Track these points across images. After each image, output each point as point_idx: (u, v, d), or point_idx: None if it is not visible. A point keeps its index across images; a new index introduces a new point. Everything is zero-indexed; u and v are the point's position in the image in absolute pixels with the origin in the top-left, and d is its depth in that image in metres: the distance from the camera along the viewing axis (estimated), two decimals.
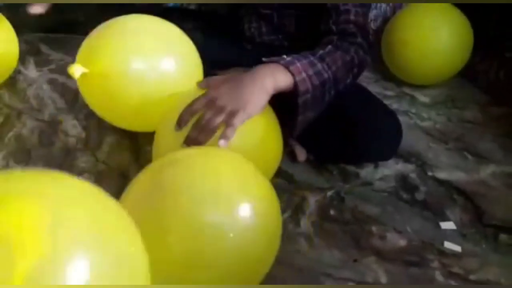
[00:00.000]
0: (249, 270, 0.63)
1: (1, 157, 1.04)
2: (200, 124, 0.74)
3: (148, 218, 0.60)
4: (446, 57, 1.24)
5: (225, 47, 1.06)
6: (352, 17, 0.89)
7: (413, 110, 1.22)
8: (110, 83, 0.87)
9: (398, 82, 1.33)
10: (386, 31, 1.34)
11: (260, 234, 0.62)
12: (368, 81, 1.31)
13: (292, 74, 0.80)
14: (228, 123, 0.73)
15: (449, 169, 1.02)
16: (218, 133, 0.74)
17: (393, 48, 1.30)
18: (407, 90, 1.31)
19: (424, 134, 1.13)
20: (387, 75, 1.35)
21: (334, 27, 0.90)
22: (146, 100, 0.87)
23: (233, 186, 0.63)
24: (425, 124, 1.17)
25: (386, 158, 0.99)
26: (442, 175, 1.00)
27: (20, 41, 1.38)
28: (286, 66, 0.80)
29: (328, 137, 0.94)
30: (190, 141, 0.74)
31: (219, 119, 0.74)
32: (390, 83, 1.33)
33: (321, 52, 0.86)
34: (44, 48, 1.51)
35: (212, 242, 0.59)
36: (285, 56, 0.83)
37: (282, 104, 0.84)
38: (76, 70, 0.85)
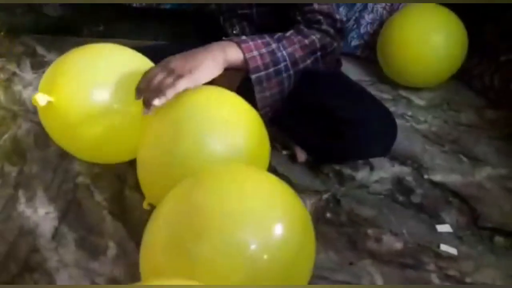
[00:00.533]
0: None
1: None
2: (152, 85, 0.78)
3: (178, 244, 0.59)
4: (441, 60, 1.25)
5: None
6: (316, 6, 0.94)
7: (409, 113, 1.22)
8: (74, 113, 0.83)
9: (394, 85, 1.33)
10: (381, 34, 1.34)
11: (294, 253, 0.61)
12: (364, 83, 1.31)
13: (243, 51, 0.85)
14: (172, 83, 0.77)
15: (445, 172, 1.02)
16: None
17: (388, 51, 1.30)
18: (403, 92, 1.31)
19: (420, 137, 1.13)
20: (383, 77, 1.35)
21: (299, 17, 0.94)
22: (110, 131, 0.85)
23: (262, 205, 0.62)
24: (421, 127, 1.17)
25: (383, 153, 0.99)
26: (438, 177, 1.00)
27: (16, 43, 1.38)
28: (239, 44, 0.86)
29: (322, 136, 0.94)
30: (146, 104, 0.77)
31: (169, 80, 0.77)
32: (386, 86, 1.33)
33: (279, 34, 0.91)
34: (40, 50, 1.50)
35: (245, 262, 0.58)
36: (243, 37, 0.88)
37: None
38: (40, 99, 0.80)
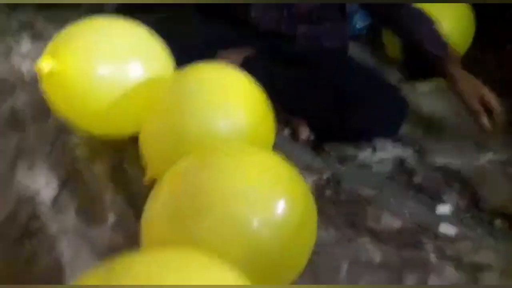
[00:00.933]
0: (285, 267, 0.63)
1: None
2: None
3: (179, 218, 0.60)
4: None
5: (226, 28, 1.05)
6: None
7: (414, 96, 1.22)
8: (76, 82, 0.82)
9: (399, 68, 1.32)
10: None
11: (295, 231, 0.61)
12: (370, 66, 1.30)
13: None
14: None
15: (447, 155, 1.01)
16: None
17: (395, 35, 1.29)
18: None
19: (423, 120, 1.13)
20: (388, 61, 1.34)
21: None
22: (112, 103, 0.84)
23: (265, 183, 0.62)
24: (425, 110, 1.17)
25: (391, 133, 0.99)
26: (440, 160, 1.00)
27: (14, 18, 1.37)
28: None
29: (331, 114, 0.94)
30: None
31: None
32: (391, 69, 1.32)
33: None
34: (38, 22, 1.49)
35: (246, 239, 0.58)
36: None
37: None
38: (44, 66, 0.80)
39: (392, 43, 1.32)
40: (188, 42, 0.99)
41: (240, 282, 0.45)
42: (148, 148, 0.81)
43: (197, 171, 0.63)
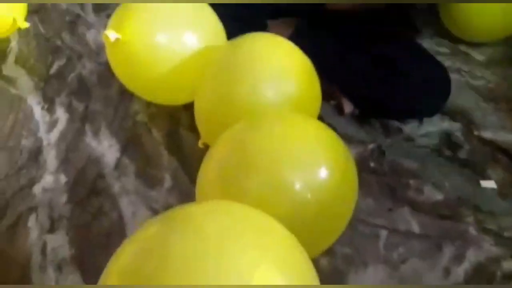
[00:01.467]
0: (324, 228, 0.68)
1: (64, 95, 1.13)
2: None
3: (230, 178, 0.65)
4: (506, 12, 1.18)
5: None
6: None
7: (466, 69, 1.19)
8: (139, 51, 0.89)
9: (453, 39, 1.28)
10: None
11: (335, 195, 0.66)
12: (423, 36, 1.27)
13: None
14: None
15: (496, 130, 1.00)
16: None
17: (449, 3, 1.25)
18: (462, 47, 1.26)
19: (474, 93, 1.10)
20: (442, 31, 1.30)
21: None
22: (171, 71, 0.89)
23: (308, 148, 0.66)
24: (477, 83, 1.14)
25: (430, 113, 0.99)
26: (487, 134, 0.98)
27: None
28: None
29: (375, 89, 0.95)
30: None
31: None
32: (443, 40, 1.29)
33: None
34: None
35: (289, 202, 0.63)
36: None
37: None
38: (111, 35, 0.87)
39: (447, 13, 1.27)
40: (239, 12, 1.02)
41: (285, 233, 0.50)
42: (202, 115, 0.87)
43: (246, 136, 0.68)
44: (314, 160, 0.66)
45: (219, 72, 0.84)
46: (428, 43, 1.25)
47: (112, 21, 0.93)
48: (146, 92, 1.00)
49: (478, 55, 1.24)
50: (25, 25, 1.27)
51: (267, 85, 0.80)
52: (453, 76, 0.99)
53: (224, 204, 0.51)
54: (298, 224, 0.62)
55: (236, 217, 0.47)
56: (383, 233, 0.81)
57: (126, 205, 0.85)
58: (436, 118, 1.02)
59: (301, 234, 0.60)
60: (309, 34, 1.02)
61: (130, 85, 1.00)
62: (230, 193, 0.64)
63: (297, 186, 0.63)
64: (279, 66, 0.82)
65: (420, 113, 1.00)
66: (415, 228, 0.81)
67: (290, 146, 0.65)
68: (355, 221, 0.81)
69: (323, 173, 0.65)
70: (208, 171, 0.69)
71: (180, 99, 0.99)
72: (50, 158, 0.96)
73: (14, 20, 1.25)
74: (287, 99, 0.80)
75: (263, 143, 0.66)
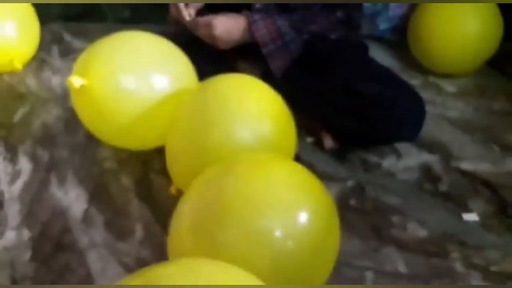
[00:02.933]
0: (308, 277, 0.63)
1: (29, 144, 1.07)
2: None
3: (203, 230, 0.61)
4: (475, 45, 1.21)
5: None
6: None
7: (439, 100, 1.20)
8: (105, 97, 0.86)
9: (423, 71, 1.30)
10: (412, 17, 1.30)
11: (318, 242, 0.62)
12: (394, 69, 1.28)
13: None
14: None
15: (474, 161, 0.99)
16: None
17: (419, 35, 1.27)
18: (433, 79, 1.28)
19: (449, 125, 1.11)
20: (411, 63, 1.32)
21: None
22: (139, 116, 0.86)
23: (287, 192, 0.63)
24: (451, 114, 1.15)
25: (411, 137, 0.99)
26: (466, 166, 0.98)
27: (44, 30, 1.41)
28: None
29: (350, 119, 0.94)
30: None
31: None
32: (415, 72, 1.30)
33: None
34: (67, 37, 1.54)
35: (269, 250, 0.59)
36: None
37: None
38: (75, 81, 0.84)
39: (417, 44, 1.30)
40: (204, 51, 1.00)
41: None
42: (173, 160, 0.83)
43: (220, 182, 0.64)
44: (294, 204, 0.62)
45: (190, 115, 0.81)
46: (400, 75, 1.26)
47: (76, 66, 0.89)
48: (114, 139, 0.96)
49: (449, 87, 1.26)
50: (19, 66, 1.30)
51: (241, 127, 0.78)
52: (427, 108, 0.99)
53: (196, 263, 0.47)
54: (280, 276, 0.58)
55: (210, 279, 0.43)
56: (369, 275, 0.77)
57: (94, 260, 0.79)
58: (414, 150, 1.01)
59: (285, 283, 0.57)
60: (285, 72, 1.00)
61: (97, 132, 0.96)
62: (205, 246, 0.60)
63: (277, 234, 0.59)
64: (253, 107, 0.80)
65: (400, 139, 1.00)
66: (402, 268, 0.78)
67: (267, 190, 0.62)
68: (339, 265, 0.77)
69: (303, 217, 0.62)
70: (180, 222, 0.65)
71: (150, 144, 0.96)
72: (13, 212, 0.90)
73: (11, 61, 1.27)
74: (263, 141, 0.78)
75: (237, 189, 0.62)
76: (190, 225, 0.63)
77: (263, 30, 0.99)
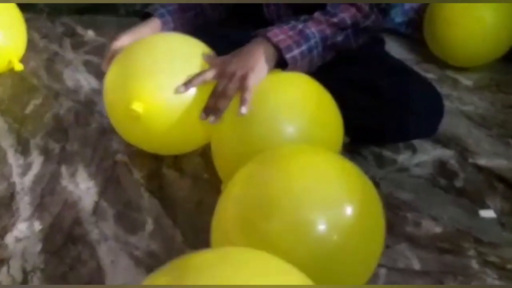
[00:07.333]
0: (351, 272, 0.62)
1: (40, 137, 1.07)
2: (217, 92, 0.79)
3: (249, 220, 0.61)
4: (492, 38, 1.18)
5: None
6: None
7: (455, 94, 1.17)
8: (156, 118, 0.83)
9: (440, 64, 1.27)
10: (428, 10, 1.28)
11: (363, 236, 0.61)
12: (408, 62, 1.25)
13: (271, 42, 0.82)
14: (242, 87, 0.77)
15: (490, 156, 0.97)
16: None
17: (435, 28, 1.25)
18: (449, 72, 1.26)
19: (465, 119, 1.09)
20: (428, 56, 1.30)
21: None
22: (189, 127, 0.85)
23: (336, 188, 0.62)
24: (467, 108, 1.12)
25: (428, 134, 0.97)
26: (482, 161, 0.96)
27: (57, 23, 1.42)
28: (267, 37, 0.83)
29: (366, 116, 0.92)
30: (209, 110, 0.80)
31: (234, 85, 0.78)
32: (431, 65, 1.28)
33: (305, 17, 0.87)
34: (79, 30, 1.54)
35: (313, 243, 0.58)
36: (270, 28, 0.85)
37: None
38: (138, 107, 0.81)
39: (433, 38, 1.27)
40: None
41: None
42: (221, 158, 0.84)
43: (266, 174, 0.64)
44: (340, 199, 0.61)
45: (235, 114, 0.78)
46: (416, 69, 1.24)
47: (126, 86, 0.83)
48: (152, 148, 0.96)
49: (466, 80, 1.23)
50: (20, 67, 1.28)
51: (286, 122, 0.78)
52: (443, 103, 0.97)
53: (242, 252, 0.46)
54: (323, 271, 0.57)
55: (256, 268, 0.42)
56: (382, 271, 0.76)
57: (105, 252, 0.79)
58: (429, 146, 0.99)
59: (327, 279, 0.56)
60: None
61: (134, 142, 0.95)
62: (248, 237, 0.60)
63: (322, 227, 0.58)
64: (297, 101, 0.80)
65: (417, 136, 0.97)
66: (415, 264, 0.76)
67: (314, 184, 0.61)
68: None
69: (350, 213, 0.60)
70: (224, 212, 0.64)
71: (194, 147, 0.96)
72: (24, 204, 0.90)
73: (9, 61, 1.26)
74: (308, 135, 0.77)
75: (284, 181, 0.61)
76: (232, 218, 0.63)
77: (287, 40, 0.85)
